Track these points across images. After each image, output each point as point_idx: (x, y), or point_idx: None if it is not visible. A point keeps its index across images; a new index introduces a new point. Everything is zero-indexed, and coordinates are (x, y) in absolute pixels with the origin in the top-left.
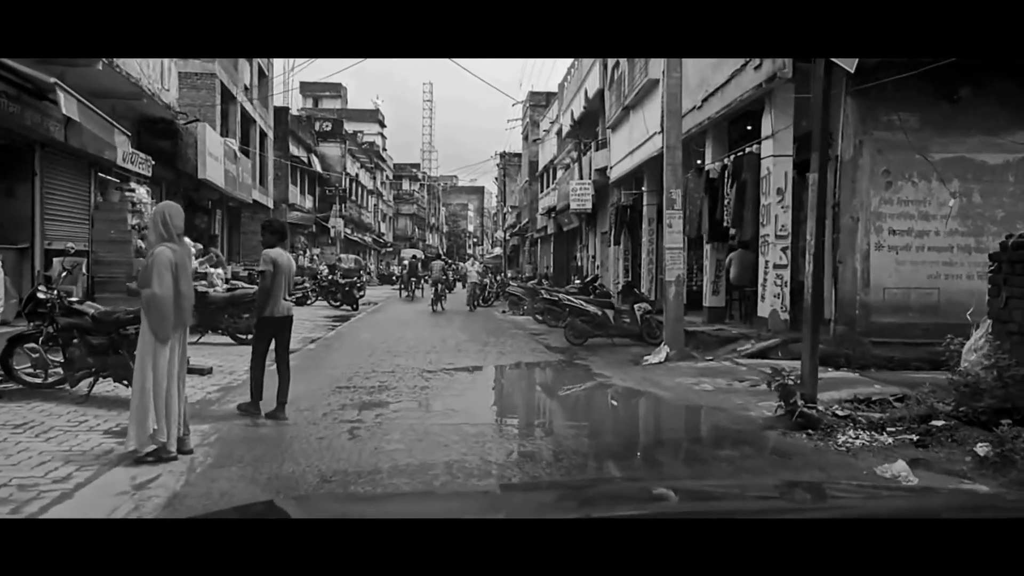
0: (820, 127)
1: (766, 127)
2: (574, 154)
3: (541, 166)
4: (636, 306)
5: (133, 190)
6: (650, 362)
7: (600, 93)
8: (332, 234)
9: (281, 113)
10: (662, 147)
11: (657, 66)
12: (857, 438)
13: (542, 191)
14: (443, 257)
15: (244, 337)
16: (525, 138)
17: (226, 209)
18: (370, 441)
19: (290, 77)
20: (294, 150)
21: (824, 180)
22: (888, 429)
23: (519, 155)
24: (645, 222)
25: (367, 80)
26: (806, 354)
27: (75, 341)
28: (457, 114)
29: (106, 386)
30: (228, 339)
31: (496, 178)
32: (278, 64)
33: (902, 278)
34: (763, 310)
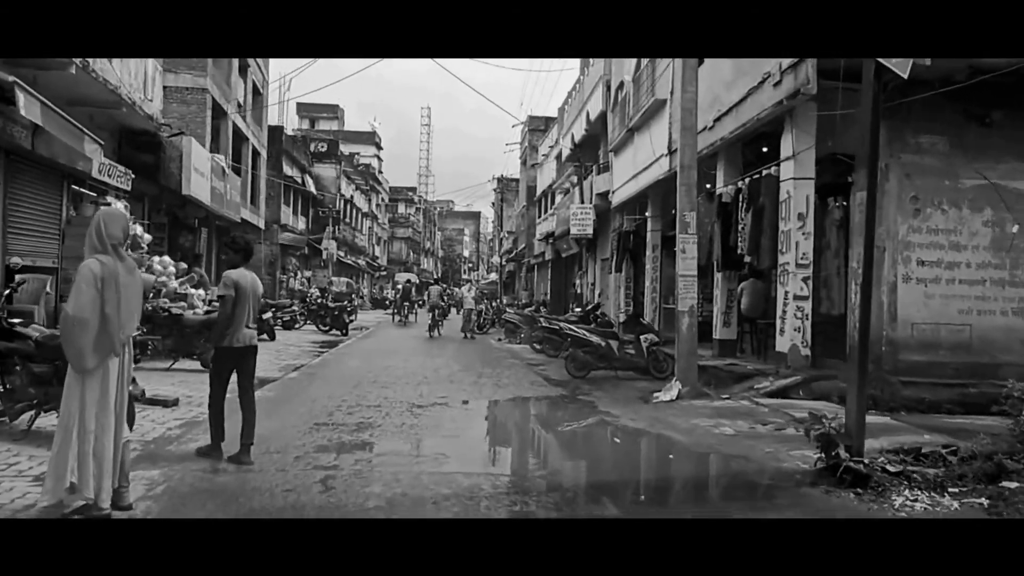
0: (869, 139)
1: (786, 148)
2: (574, 178)
3: (539, 191)
4: (642, 337)
5: (109, 204)
6: (661, 400)
7: (603, 115)
8: (324, 256)
9: (275, 132)
10: (670, 169)
11: (665, 86)
12: (916, 500)
13: (540, 216)
14: (440, 282)
15: None
16: (523, 163)
17: (214, 228)
18: (346, 494)
19: (285, 96)
20: (288, 170)
21: (873, 198)
22: (950, 490)
23: (516, 180)
24: (649, 249)
25: (365, 102)
26: (852, 400)
27: (16, 368)
28: (454, 141)
29: (50, 420)
30: (201, 366)
31: (493, 203)
32: (273, 82)
33: (931, 313)
34: (782, 345)
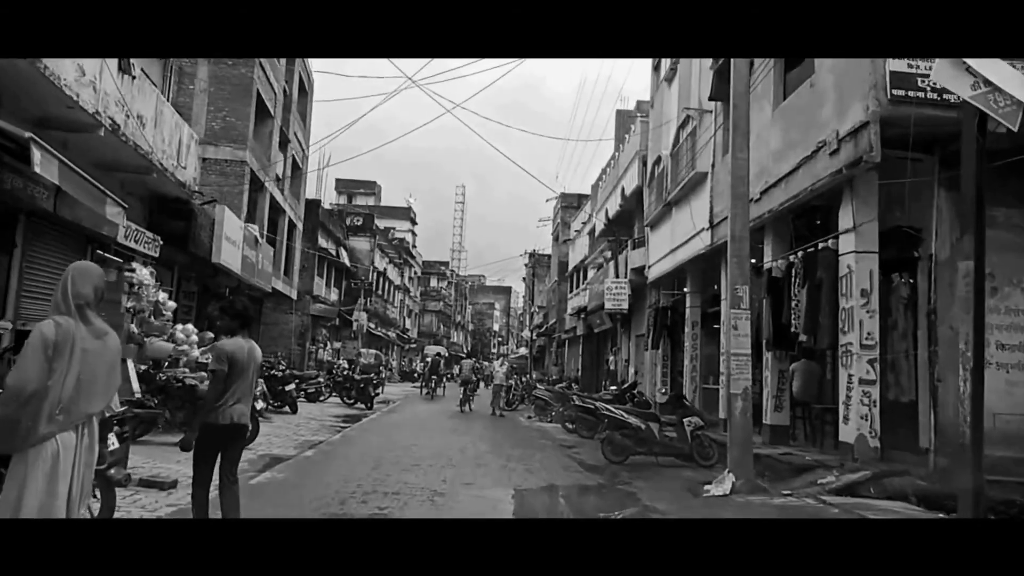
0: (974, 199)
1: (845, 220)
2: (608, 253)
3: (571, 266)
4: (685, 420)
5: (133, 270)
6: (713, 494)
7: (638, 191)
8: (355, 328)
9: (312, 205)
10: (711, 243)
11: (706, 159)
12: None
13: (571, 291)
14: (472, 356)
15: None
16: (555, 239)
17: (246, 298)
18: None
19: (324, 172)
20: (323, 242)
21: (982, 268)
22: None
23: (548, 255)
24: (688, 326)
25: (400, 179)
26: (968, 509)
27: None
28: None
29: None
30: None
31: (524, 278)
32: (313, 158)
33: (1016, 402)
34: (846, 434)
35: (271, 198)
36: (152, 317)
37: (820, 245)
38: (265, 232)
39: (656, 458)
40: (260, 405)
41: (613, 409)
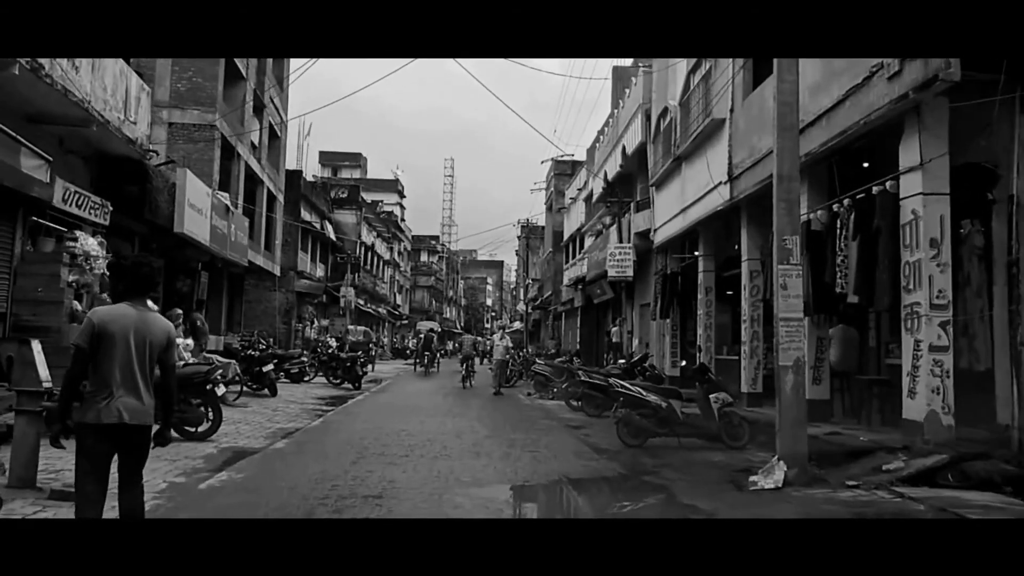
0: None
1: (909, 156)
2: (607, 219)
3: (566, 236)
4: (712, 397)
5: (76, 239)
6: (762, 487)
7: (640, 149)
8: (342, 304)
9: (293, 176)
10: (730, 199)
11: (723, 104)
12: None
13: (567, 262)
14: (468, 332)
15: (193, 430)
16: (549, 208)
17: (227, 274)
18: None
19: (305, 140)
20: (306, 215)
21: None
22: None
23: (542, 227)
24: (701, 292)
25: (387, 153)
26: None
27: None
28: (475, 198)
29: None
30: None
31: (516, 251)
32: (292, 126)
33: None
34: (913, 410)
35: (246, 167)
36: (105, 293)
37: (875, 189)
38: (241, 203)
39: (678, 440)
40: (221, 391)
41: (630, 386)
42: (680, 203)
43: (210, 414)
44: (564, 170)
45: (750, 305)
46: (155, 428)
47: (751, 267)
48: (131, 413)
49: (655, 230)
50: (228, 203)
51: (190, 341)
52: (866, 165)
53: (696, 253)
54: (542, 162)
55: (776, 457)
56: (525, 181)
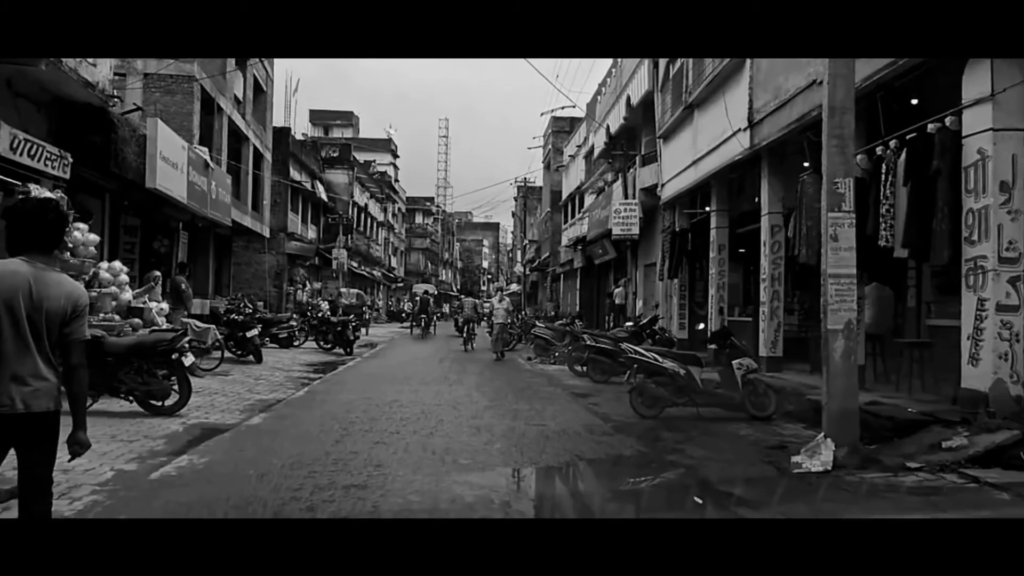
0: None
1: (975, 86)
2: (609, 176)
3: (565, 195)
4: (735, 363)
5: (28, 191)
6: (807, 468)
7: (647, 98)
8: (335, 266)
9: (281, 134)
10: (750, 146)
11: None
12: None
13: (566, 222)
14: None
15: (159, 404)
16: (546, 167)
17: (213, 235)
18: None
19: (294, 97)
20: (295, 175)
21: None
22: None
23: (538, 188)
24: (714, 250)
25: (380, 112)
26: None
27: None
28: (471, 161)
29: None
30: (136, 406)
31: (513, 212)
32: (279, 82)
33: None
34: (974, 379)
35: (230, 122)
36: (68, 254)
37: (932, 127)
38: (225, 160)
39: (697, 410)
40: (189, 360)
41: (645, 351)
42: (692, 154)
43: (177, 386)
44: (562, 127)
45: (770, 263)
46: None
47: (772, 221)
48: (24, 398)
49: (662, 185)
50: (207, 158)
51: (164, 305)
52: (914, 102)
53: (708, 208)
54: (541, 114)
55: (822, 435)
56: (519, 146)
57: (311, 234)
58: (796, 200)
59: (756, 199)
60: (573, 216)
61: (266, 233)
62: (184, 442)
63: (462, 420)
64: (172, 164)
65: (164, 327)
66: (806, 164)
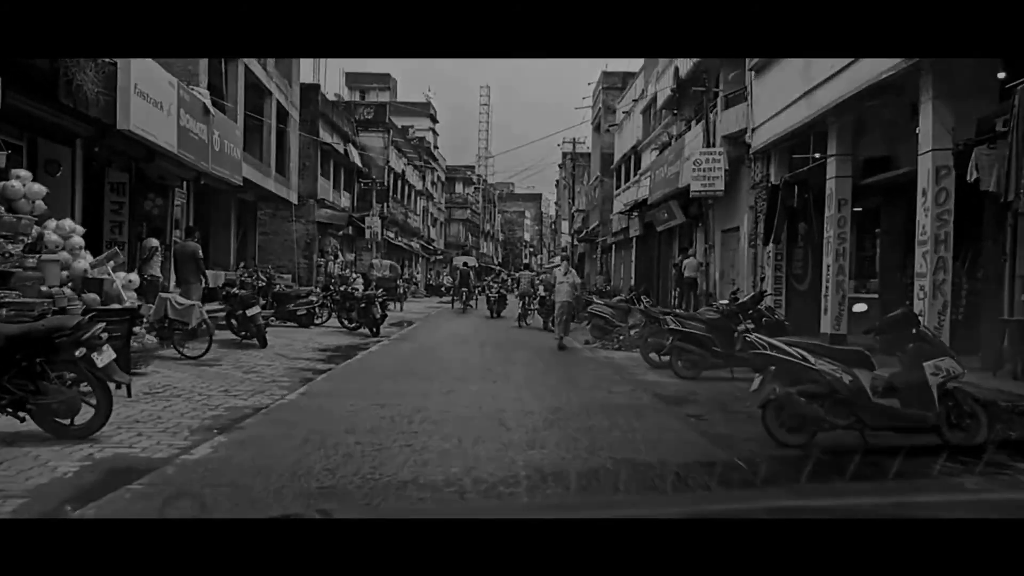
0: None
1: None
2: (673, 128)
3: (617, 157)
4: (929, 366)
5: None
6: None
7: None
8: (368, 236)
9: (311, 91)
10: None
11: None
12: None
13: (618, 187)
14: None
15: (65, 423)
16: (596, 129)
17: (236, 200)
18: None
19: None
20: (326, 136)
21: None
22: None
23: (586, 155)
24: (832, 206)
25: (418, 77)
26: None
27: None
28: (509, 137)
29: None
30: (33, 424)
31: (557, 181)
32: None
33: None
34: None
35: (247, 71)
36: (1, 208)
37: None
38: (242, 112)
39: (862, 436)
40: (104, 359)
41: (788, 347)
42: (803, 84)
43: (91, 396)
44: (614, 83)
45: (934, 218)
46: None
47: (937, 161)
48: None
49: (752, 130)
50: (207, 102)
51: (133, 276)
52: None
53: (822, 155)
54: (588, 84)
55: None
56: (562, 123)
57: (344, 201)
58: (991, 126)
59: (917, 129)
60: (628, 179)
61: (293, 199)
62: (66, 496)
63: (507, 447)
64: (154, 103)
65: (122, 306)
66: (1002, 75)
